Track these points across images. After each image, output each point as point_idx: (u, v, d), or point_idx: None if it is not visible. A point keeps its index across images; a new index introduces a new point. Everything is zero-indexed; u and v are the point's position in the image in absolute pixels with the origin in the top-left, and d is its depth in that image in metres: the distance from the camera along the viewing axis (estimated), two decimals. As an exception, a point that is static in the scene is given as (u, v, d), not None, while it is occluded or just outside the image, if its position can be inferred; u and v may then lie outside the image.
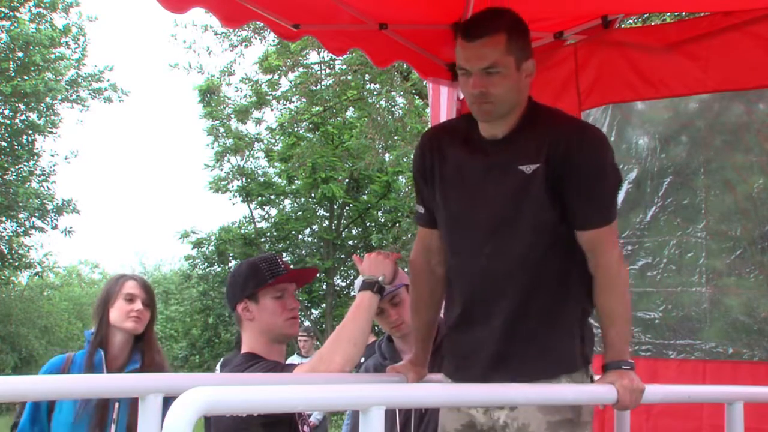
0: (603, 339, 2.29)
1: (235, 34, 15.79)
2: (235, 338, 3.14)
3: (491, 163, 2.31)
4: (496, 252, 2.29)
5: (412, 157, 2.54)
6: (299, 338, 8.95)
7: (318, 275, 20.81)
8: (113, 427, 2.98)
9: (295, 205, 22.59)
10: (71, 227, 21.59)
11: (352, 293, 3.06)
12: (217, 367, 6.71)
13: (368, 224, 22.35)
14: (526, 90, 2.31)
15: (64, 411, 2.99)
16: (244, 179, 21.83)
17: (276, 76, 17.93)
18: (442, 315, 2.85)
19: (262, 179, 22.16)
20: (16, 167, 20.75)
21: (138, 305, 3.10)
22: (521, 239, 2.27)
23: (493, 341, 2.29)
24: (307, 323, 15.94)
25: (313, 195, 20.92)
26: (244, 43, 16.06)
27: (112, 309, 3.10)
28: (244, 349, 2.60)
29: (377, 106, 15.62)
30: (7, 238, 21.23)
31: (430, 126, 2.54)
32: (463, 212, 2.35)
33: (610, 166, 2.30)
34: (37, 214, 20.97)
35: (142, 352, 3.14)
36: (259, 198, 22.02)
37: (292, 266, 2.73)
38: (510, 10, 2.30)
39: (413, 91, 14.02)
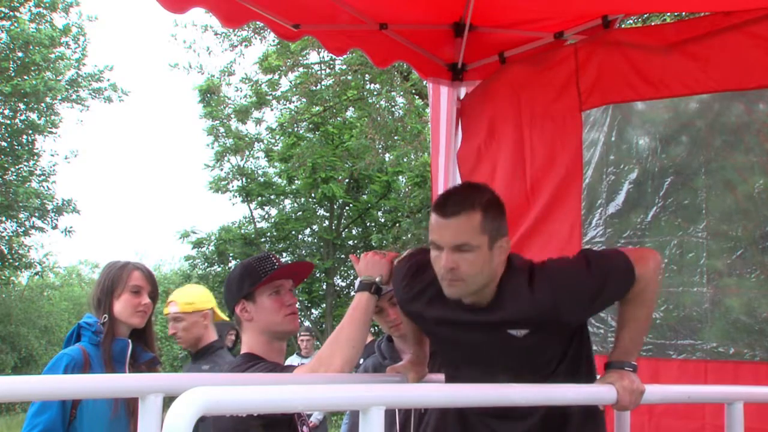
0: (615, 338, 2.30)
1: (235, 34, 15.79)
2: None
3: (479, 325, 2.28)
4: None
5: (395, 280, 2.50)
6: (301, 338, 8.85)
7: (318, 275, 20.80)
8: None
9: (295, 205, 22.60)
10: (71, 227, 21.67)
11: (352, 293, 3.05)
12: None
13: (368, 224, 22.34)
14: (500, 266, 2.25)
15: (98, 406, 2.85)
16: (244, 179, 21.83)
17: (276, 76, 17.95)
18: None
19: (262, 179, 22.16)
20: (16, 167, 20.77)
21: (145, 299, 3.00)
22: (532, 379, 2.26)
23: None
24: (307, 323, 15.93)
25: (313, 195, 20.92)
26: (244, 43, 16.06)
27: (116, 300, 2.97)
28: (243, 350, 2.59)
29: (377, 106, 15.64)
30: (7, 238, 21.23)
31: (402, 264, 2.48)
32: (467, 366, 2.37)
33: (592, 271, 2.22)
34: (37, 214, 20.99)
35: (144, 343, 3.06)
36: (259, 198, 22.02)
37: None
38: (487, 187, 2.27)
39: (413, 91, 14.03)
